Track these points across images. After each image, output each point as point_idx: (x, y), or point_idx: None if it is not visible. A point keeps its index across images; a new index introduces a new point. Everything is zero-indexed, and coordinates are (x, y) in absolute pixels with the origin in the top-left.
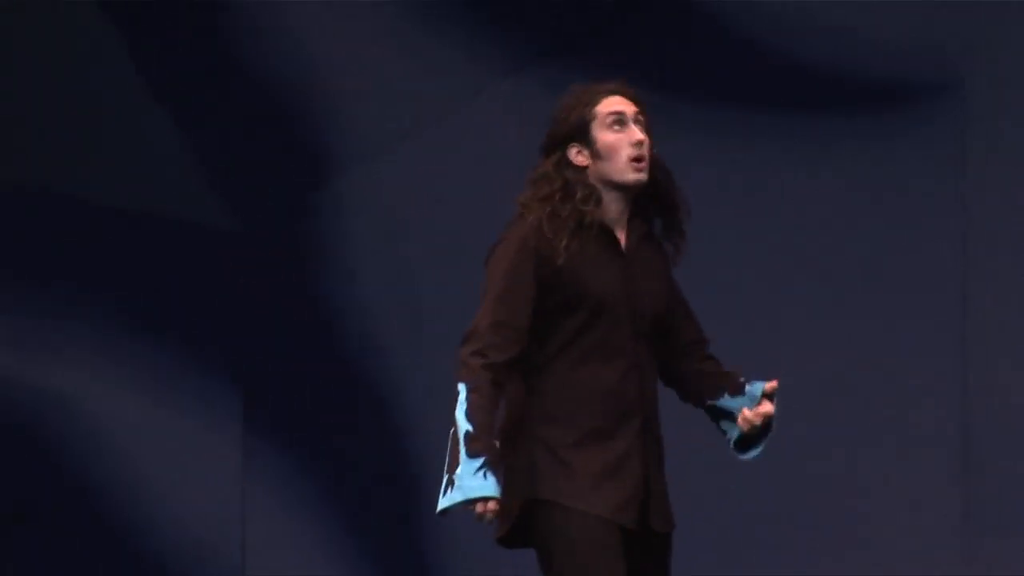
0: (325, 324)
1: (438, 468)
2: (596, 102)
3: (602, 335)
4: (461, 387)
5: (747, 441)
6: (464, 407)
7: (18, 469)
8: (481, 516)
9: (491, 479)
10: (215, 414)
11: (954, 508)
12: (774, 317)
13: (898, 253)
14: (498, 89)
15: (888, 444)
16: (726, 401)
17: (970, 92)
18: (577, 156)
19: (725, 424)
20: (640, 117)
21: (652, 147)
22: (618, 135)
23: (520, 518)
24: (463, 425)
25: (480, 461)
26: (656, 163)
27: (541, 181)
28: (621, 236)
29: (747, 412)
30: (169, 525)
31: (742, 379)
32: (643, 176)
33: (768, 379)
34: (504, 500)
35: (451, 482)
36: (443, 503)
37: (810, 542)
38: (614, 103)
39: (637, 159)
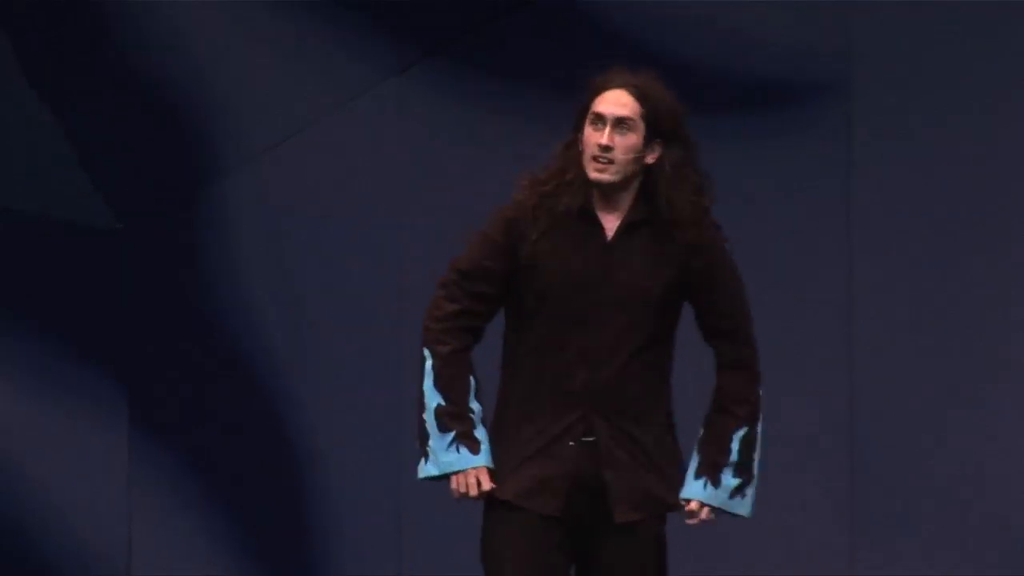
0: (209, 322)
1: (324, 463)
2: (596, 93)
3: (559, 321)
4: (426, 354)
5: None
6: (431, 378)
7: None
8: (458, 489)
9: (464, 451)
10: (100, 412)
11: (841, 512)
12: None
13: (784, 255)
14: (383, 89)
15: (774, 447)
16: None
17: (856, 93)
18: (580, 142)
19: None
20: (628, 121)
21: (650, 151)
22: (592, 133)
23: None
24: (432, 398)
25: (451, 435)
26: (657, 170)
27: (548, 161)
28: (610, 224)
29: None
30: (54, 525)
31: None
32: (602, 176)
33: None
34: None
35: (424, 454)
36: (422, 472)
37: (700, 544)
38: (602, 103)
39: (596, 158)
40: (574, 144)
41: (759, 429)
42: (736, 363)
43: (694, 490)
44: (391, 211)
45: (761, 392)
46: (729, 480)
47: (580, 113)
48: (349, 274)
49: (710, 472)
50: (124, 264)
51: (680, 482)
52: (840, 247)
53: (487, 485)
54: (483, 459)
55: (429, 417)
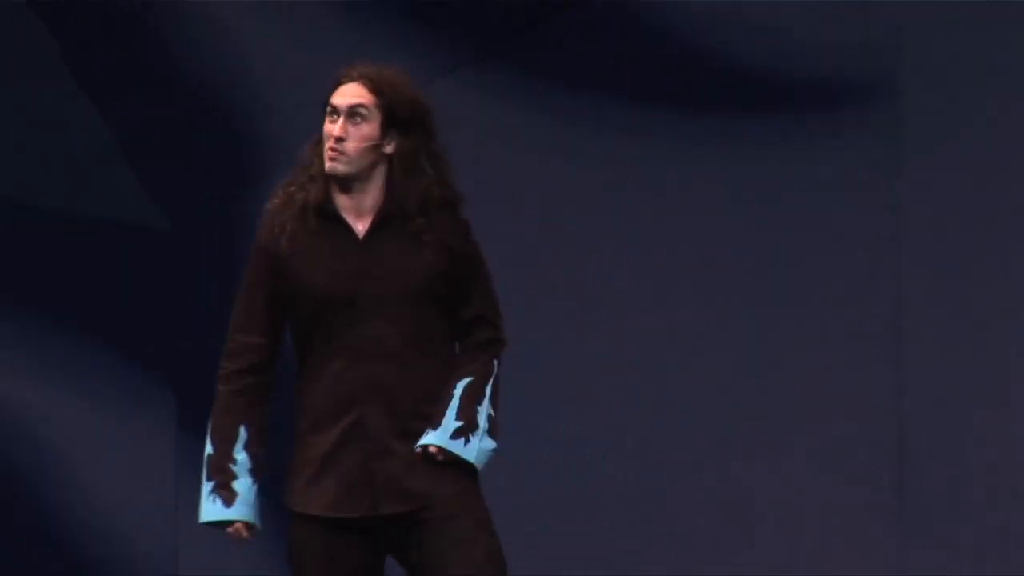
0: None
1: None
2: (333, 87)
3: (327, 328)
4: (214, 403)
5: None
6: (209, 425)
7: None
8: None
9: (219, 503)
10: (150, 417)
11: (889, 512)
12: (707, 320)
13: (833, 256)
14: (431, 90)
15: (823, 446)
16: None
17: (906, 93)
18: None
19: None
20: (361, 110)
21: (387, 140)
22: (328, 125)
23: None
24: (206, 445)
25: (212, 484)
26: (396, 160)
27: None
28: (359, 223)
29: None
30: (104, 528)
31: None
32: (335, 167)
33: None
34: None
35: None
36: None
37: (746, 543)
38: (337, 94)
39: (331, 148)
40: (320, 140)
41: (488, 387)
42: (478, 344)
43: (421, 439)
44: None
45: (496, 363)
46: (450, 423)
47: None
48: None
49: (431, 423)
50: (172, 266)
51: None
52: (889, 248)
53: (243, 535)
54: (234, 512)
55: (203, 464)
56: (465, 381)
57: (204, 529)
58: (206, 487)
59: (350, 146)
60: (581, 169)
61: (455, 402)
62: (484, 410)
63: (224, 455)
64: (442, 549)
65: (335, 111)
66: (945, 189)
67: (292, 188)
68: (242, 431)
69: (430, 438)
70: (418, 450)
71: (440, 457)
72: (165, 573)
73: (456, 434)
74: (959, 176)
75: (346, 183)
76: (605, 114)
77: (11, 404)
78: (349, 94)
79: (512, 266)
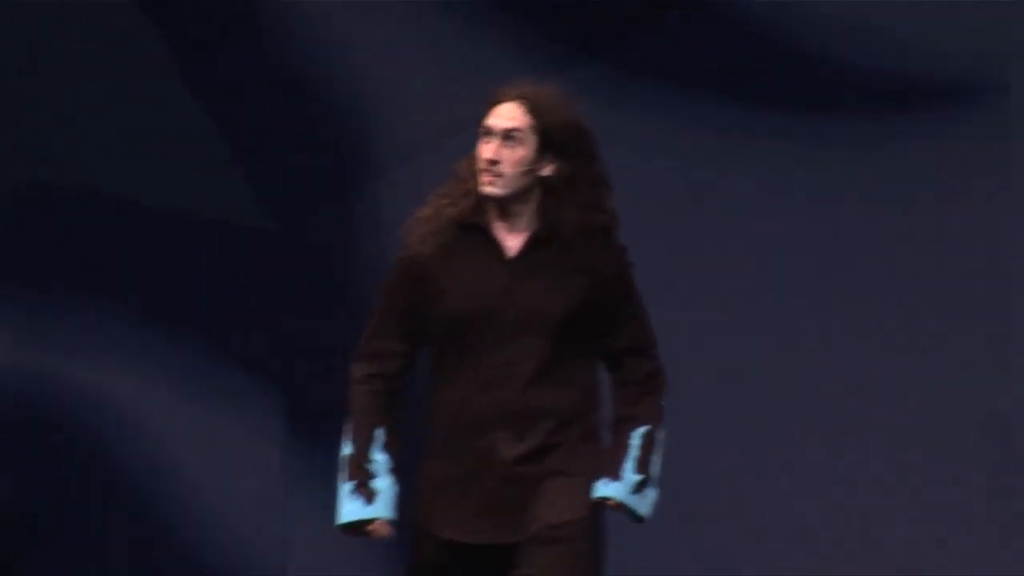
0: (365, 323)
1: None
2: (490, 107)
3: (462, 346)
4: (349, 403)
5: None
6: (346, 425)
7: (60, 471)
8: (365, 536)
9: (359, 502)
10: (257, 414)
11: (997, 514)
12: (812, 319)
13: (938, 255)
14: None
15: (932, 448)
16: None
17: (1014, 92)
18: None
19: None
20: (516, 133)
21: (543, 164)
22: (482, 146)
23: None
24: (343, 446)
25: (352, 485)
26: (551, 185)
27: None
28: (510, 242)
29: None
30: (211, 526)
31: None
32: (491, 190)
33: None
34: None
35: (340, 500)
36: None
37: (857, 544)
38: (492, 115)
39: (484, 171)
40: (475, 158)
41: (660, 435)
42: (636, 381)
43: (598, 490)
44: None
45: (663, 404)
46: (630, 476)
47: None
48: None
49: (612, 470)
50: (280, 264)
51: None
52: (995, 249)
53: (383, 533)
54: (376, 509)
55: (342, 465)
56: (642, 430)
57: (312, 528)
58: (345, 487)
59: (505, 169)
60: (689, 170)
61: (634, 453)
62: (657, 460)
63: (362, 455)
64: (539, 563)
65: (490, 132)
66: None
67: (444, 201)
68: (379, 432)
69: (611, 491)
70: (596, 501)
71: (616, 509)
72: (273, 571)
73: (636, 488)
74: None
75: (501, 203)
76: (714, 115)
77: (117, 403)
78: (504, 116)
79: None
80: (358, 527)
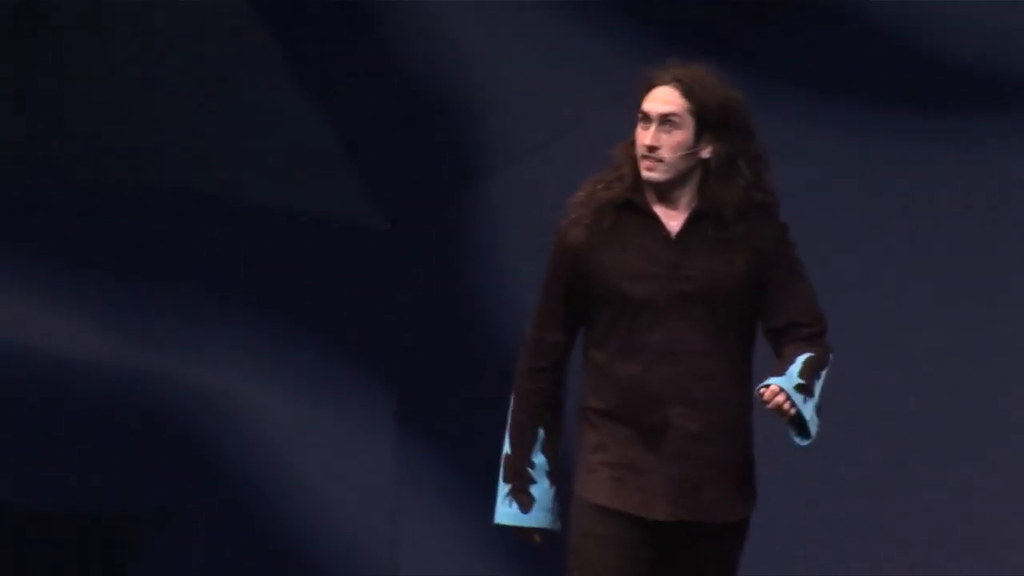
0: (477, 323)
1: None
2: (644, 91)
3: (628, 325)
4: (512, 397)
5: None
6: (508, 421)
7: (172, 469)
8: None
9: (515, 507)
10: (368, 413)
11: None
12: (915, 316)
13: None
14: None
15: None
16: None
17: None
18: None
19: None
20: (673, 117)
21: (703, 146)
22: (640, 132)
23: None
24: (504, 445)
25: (508, 488)
26: (711, 166)
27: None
28: (671, 222)
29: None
30: (322, 525)
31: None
32: (651, 175)
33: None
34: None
35: (498, 500)
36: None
37: (932, 540)
38: (648, 100)
39: (644, 157)
40: (633, 142)
41: (825, 369)
42: (804, 338)
43: (765, 380)
44: None
45: (830, 354)
46: (793, 377)
47: (637, 109)
48: None
49: (778, 371)
50: (392, 264)
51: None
52: None
53: (534, 541)
54: (531, 518)
55: (502, 463)
56: (806, 355)
57: (422, 526)
58: (503, 489)
59: (664, 154)
60: (798, 169)
61: (796, 366)
62: (819, 386)
63: (521, 457)
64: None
65: (647, 118)
66: None
67: (599, 186)
68: (540, 432)
69: (775, 380)
70: (761, 390)
71: (782, 402)
72: (383, 570)
73: (798, 389)
74: None
75: (661, 187)
76: (815, 114)
77: (228, 400)
78: (660, 100)
79: None
80: (513, 531)
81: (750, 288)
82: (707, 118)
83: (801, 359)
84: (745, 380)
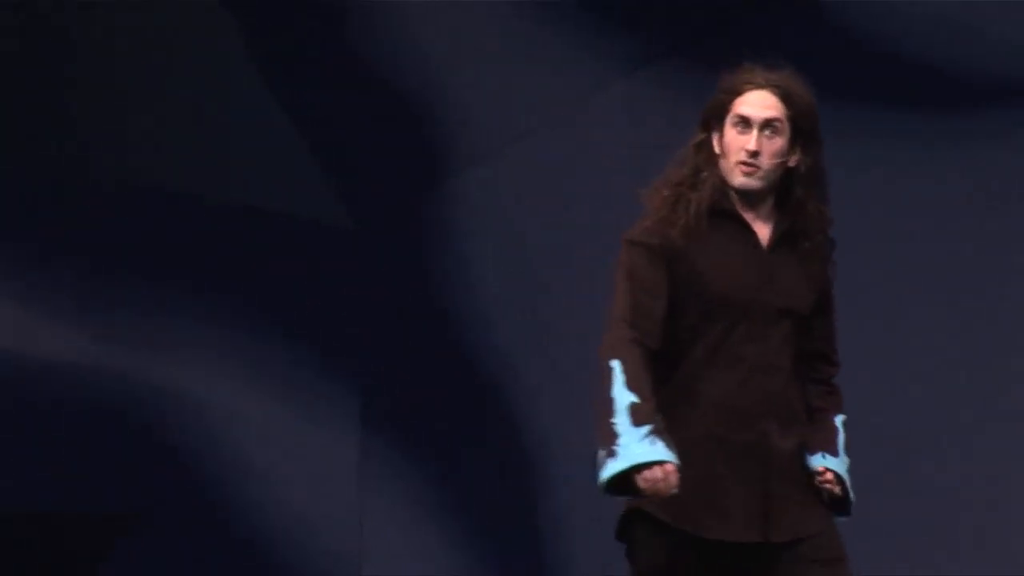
0: (442, 323)
1: (556, 465)
2: (736, 94)
3: (715, 333)
4: (614, 363)
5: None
6: (622, 379)
7: (138, 468)
8: (649, 483)
9: (659, 444)
10: (333, 413)
11: None
12: (905, 319)
13: None
14: (615, 89)
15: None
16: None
17: None
18: (716, 144)
19: None
20: (776, 123)
21: (793, 154)
22: (738, 137)
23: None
24: (625, 397)
25: (646, 429)
26: (799, 175)
27: (676, 163)
28: (763, 231)
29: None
30: (286, 524)
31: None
32: (749, 182)
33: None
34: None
35: (612, 453)
36: (604, 474)
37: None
38: (747, 104)
39: (744, 163)
40: (706, 145)
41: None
42: (828, 382)
43: (817, 460)
44: (623, 211)
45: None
46: (844, 457)
47: (713, 112)
48: (581, 274)
49: (825, 447)
50: (357, 264)
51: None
52: None
53: (675, 483)
54: (675, 456)
55: (621, 417)
56: (841, 417)
57: (387, 527)
58: (636, 432)
59: (764, 161)
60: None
61: (842, 438)
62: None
63: (650, 402)
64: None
65: (746, 122)
66: None
67: (683, 187)
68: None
69: (833, 464)
70: (820, 468)
71: (835, 488)
72: (349, 569)
73: (848, 471)
74: None
75: (752, 194)
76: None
77: (194, 400)
78: (761, 105)
79: None
80: (644, 471)
81: (812, 304)
82: (802, 125)
83: (841, 428)
84: (802, 394)
